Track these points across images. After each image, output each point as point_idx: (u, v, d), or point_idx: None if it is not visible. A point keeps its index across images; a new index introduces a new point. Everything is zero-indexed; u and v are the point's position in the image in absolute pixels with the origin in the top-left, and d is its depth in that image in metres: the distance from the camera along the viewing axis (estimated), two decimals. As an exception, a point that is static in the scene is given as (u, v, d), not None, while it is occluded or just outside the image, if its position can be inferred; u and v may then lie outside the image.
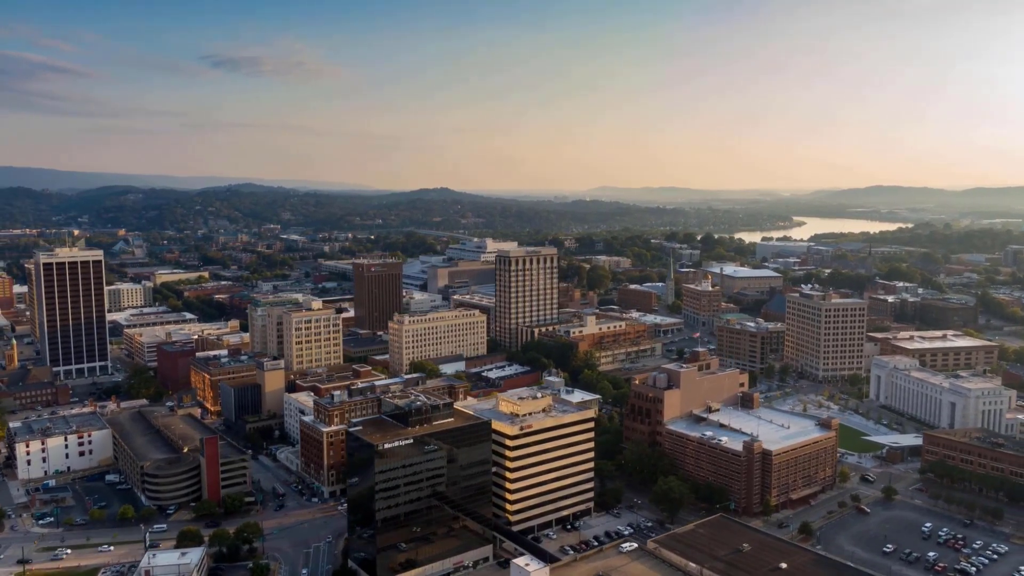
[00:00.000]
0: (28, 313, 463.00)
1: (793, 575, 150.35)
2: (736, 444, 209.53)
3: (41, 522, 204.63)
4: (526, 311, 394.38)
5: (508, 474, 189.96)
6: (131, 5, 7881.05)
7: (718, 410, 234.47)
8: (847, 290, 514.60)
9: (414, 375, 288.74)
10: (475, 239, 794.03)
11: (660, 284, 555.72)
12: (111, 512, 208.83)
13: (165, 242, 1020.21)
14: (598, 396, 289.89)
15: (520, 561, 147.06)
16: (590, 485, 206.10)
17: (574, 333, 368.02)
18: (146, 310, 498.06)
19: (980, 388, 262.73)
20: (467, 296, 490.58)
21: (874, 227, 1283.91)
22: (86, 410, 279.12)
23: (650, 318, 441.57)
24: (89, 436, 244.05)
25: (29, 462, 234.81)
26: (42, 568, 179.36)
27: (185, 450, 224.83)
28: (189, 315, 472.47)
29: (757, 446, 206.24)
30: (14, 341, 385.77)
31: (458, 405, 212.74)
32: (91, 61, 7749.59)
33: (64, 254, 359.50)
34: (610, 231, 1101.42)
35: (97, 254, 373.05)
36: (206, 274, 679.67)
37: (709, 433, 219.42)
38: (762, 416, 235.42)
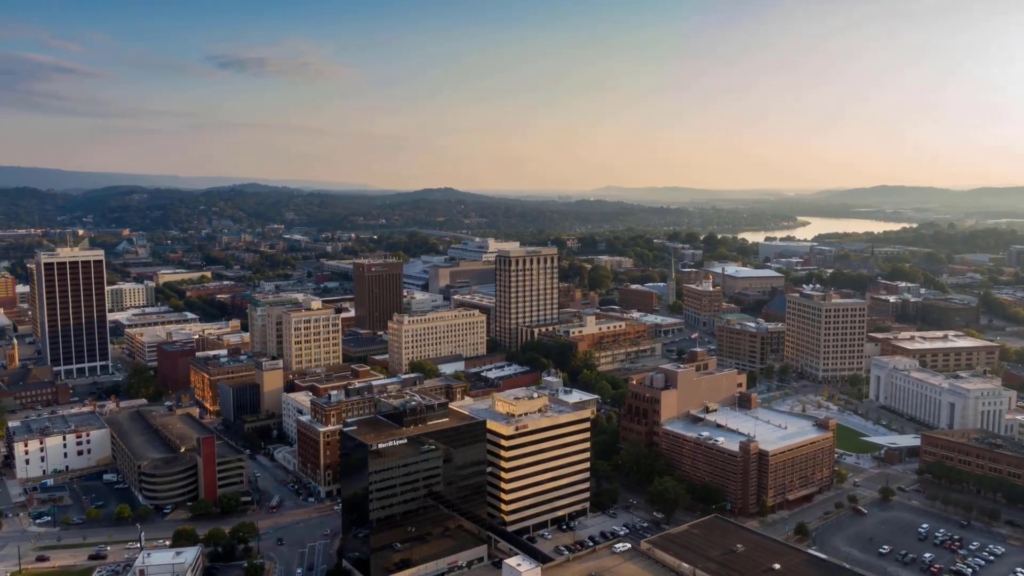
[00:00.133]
0: (30, 313, 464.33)
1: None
2: (732, 444, 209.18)
3: (38, 521, 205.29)
4: (526, 311, 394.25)
5: (503, 474, 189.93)
6: (138, 5, 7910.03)
7: (715, 410, 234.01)
8: (849, 290, 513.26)
9: (411, 375, 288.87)
10: (477, 239, 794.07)
11: (662, 284, 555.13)
12: (108, 511, 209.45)
13: (169, 242, 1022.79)
14: (596, 396, 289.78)
15: (512, 561, 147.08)
16: (586, 485, 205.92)
17: (574, 333, 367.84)
18: (148, 310, 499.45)
19: (979, 389, 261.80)
20: (468, 296, 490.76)
21: (879, 227, 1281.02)
22: (85, 410, 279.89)
23: (651, 318, 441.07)
24: (87, 436, 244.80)
25: (27, 461, 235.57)
26: (37, 567, 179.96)
27: (182, 450, 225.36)
28: (191, 315, 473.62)
29: (753, 446, 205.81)
30: (15, 341, 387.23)
31: (455, 405, 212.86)
32: (98, 61, 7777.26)
33: (65, 254, 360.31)
34: (613, 231, 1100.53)
35: (98, 254, 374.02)
36: (209, 274, 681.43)
37: (706, 433, 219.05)
38: (759, 416, 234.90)
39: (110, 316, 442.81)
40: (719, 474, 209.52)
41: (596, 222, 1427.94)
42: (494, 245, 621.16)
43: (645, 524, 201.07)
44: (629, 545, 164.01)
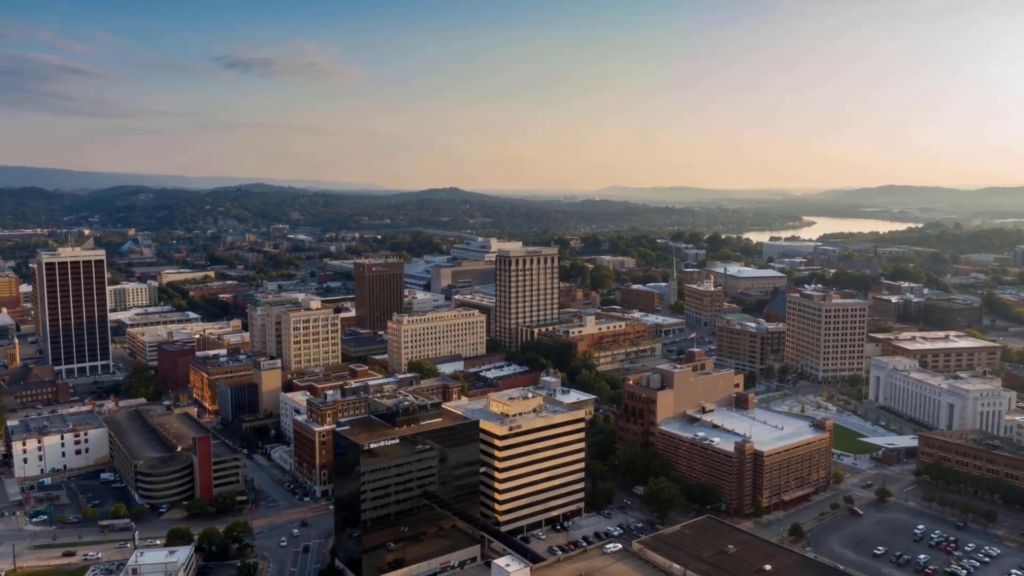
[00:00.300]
0: (33, 313, 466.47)
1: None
2: (728, 445, 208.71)
3: (35, 520, 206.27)
4: (526, 311, 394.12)
5: (497, 474, 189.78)
6: (145, 6, 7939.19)
7: (712, 411, 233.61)
8: (852, 290, 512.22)
9: (408, 375, 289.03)
10: (479, 239, 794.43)
11: (664, 284, 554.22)
12: (104, 510, 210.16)
13: (174, 242, 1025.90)
14: (594, 396, 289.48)
15: (501, 562, 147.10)
16: (580, 486, 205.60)
17: (573, 333, 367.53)
18: (150, 309, 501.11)
19: (979, 389, 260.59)
20: (469, 296, 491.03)
21: (884, 227, 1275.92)
22: (84, 409, 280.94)
23: (652, 318, 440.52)
24: (85, 435, 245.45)
25: (26, 460, 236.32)
26: (33, 566, 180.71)
27: (179, 449, 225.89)
28: (193, 314, 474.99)
29: (748, 447, 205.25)
30: (16, 340, 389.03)
31: (450, 405, 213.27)
32: (105, 62, 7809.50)
33: (66, 254, 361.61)
34: (617, 231, 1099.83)
35: (99, 254, 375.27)
36: (212, 274, 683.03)
37: (702, 434, 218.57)
38: (756, 417, 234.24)
39: (113, 316, 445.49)
40: (714, 475, 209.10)
41: (601, 222, 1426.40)
42: (496, 245, 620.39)
43: (640, 524, 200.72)
44: (620, 546, 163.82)
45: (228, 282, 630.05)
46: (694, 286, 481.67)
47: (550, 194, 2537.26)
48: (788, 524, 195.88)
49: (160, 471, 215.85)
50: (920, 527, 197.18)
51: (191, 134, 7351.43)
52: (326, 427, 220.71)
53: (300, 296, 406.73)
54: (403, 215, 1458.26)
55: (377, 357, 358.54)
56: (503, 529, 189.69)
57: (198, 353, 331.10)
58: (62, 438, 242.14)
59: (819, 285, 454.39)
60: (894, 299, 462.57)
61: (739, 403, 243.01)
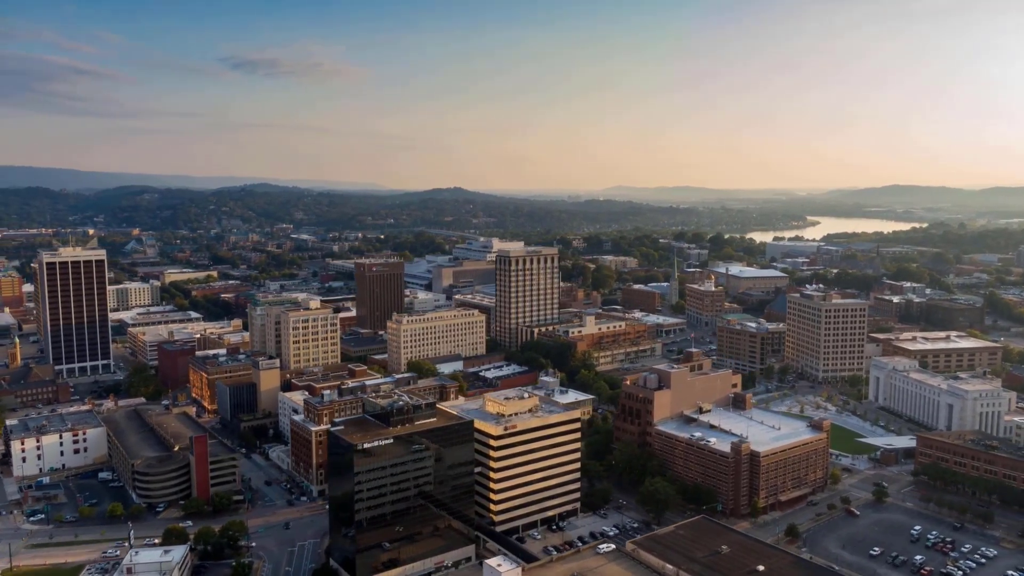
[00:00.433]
0: (36, 312, 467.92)
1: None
2: (724, 445, 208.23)
3: (32, 519, 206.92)
4: (526, 311, 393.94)
5: (492, 474, 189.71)
6: (152, 7, 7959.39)
7: (709, 411, 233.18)
8: (854, 290, 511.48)
9: (405, 375, 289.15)
10: (481, 239, 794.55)
11: (665, 284, 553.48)
12: (101, 509, 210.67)
13: (178, 241, 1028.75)
14: (592, 396, 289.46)
15: (492, 562, 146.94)
16: (576, 486, 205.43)
17: (573, 333, 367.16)
18: (152, 309, 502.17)
19: (978, 390, 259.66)
20: (470, 296, 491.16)
21: (889, 227, 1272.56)
22: (83, 408, 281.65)
23: (652, 318, 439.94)
24: (84, 434, 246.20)
25: (24, 459, 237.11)
26: (29, 565, 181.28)
27: (176, 448, 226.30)
28: (195, 314, 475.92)
29: (745, 447, 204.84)
30: (17, 339, 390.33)
31: (447, 405, 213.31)
32: (112, 62, 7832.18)
33: (67, 253, 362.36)
34: (620, 231, 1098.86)
35: (100, 254, 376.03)
36: (215, 273, 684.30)
37: (698, 434, 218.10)
38: (754, 417, 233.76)
39: (115, 315, 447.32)
40: (711, 475, 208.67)
41: (604, 222, 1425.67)
42: (498, 245, 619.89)
43: (635, 525, 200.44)
44: (613, 546, 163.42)
45: (231, 282, 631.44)
46: (695, 286, 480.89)
47: (554, 194, 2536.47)
48: (784, 524, 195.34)
49: (157, 470, 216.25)
50: (917, 528, 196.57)
51: (196, 134, 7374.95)
52: (322, 427, 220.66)
53: (300, 296, 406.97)
54: (407, 215, 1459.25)
55: (377, 357, 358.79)
56: (499, 529, 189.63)
57: (198, 353, 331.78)
58: (60, 437, 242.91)
59: (820, 285, 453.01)
60: (896, 299, 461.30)
61: (736, 403, 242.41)
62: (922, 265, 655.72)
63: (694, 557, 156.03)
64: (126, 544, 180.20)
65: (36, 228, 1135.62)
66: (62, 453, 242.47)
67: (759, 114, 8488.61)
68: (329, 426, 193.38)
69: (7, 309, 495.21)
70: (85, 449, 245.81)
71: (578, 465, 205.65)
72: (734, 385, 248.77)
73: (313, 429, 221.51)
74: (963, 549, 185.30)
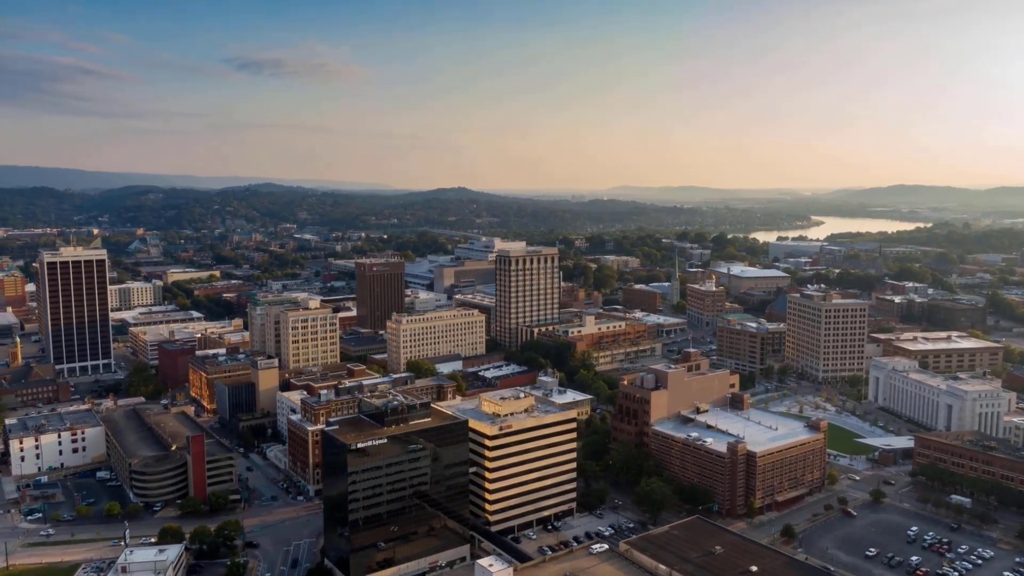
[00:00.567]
0: (38, 311, 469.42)
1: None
2: (720, 445, 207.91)
3: (29, 518, 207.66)
4: (526, 311, 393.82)
5: (487, 474, 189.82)
6: (158, 8, 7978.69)
7: (706, 411, 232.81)
8: (856, 290, 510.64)
9: (403, 375, 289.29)
10: (484, 238, 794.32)
11: (667, 284, 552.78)
12: (98, 509, 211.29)
13: (182, 241, 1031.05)
14: (591, 396, 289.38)
15: (484, 562, 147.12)
16: (572, 486, 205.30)
17: (572, 333, 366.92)
18: (155, 308, 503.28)
19: (977, 390, 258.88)
20: (470, 296, 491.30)
21: (894, 227, 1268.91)
22: (83, 407, 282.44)
23: (653, 318, 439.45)
24: (83, 433, 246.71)
25: (23, 458, 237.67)
26: (25, 564, 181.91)
27: (173, 448, 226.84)
28: (196, 314, 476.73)
29: (741, 447, 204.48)
30: (18, 339, 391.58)
31: (444, 405, 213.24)
32: (118, 63, 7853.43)
33: (68, 253, 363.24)
34: (623, 231, 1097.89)
35: (101, 253, 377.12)
36: (217, 273, 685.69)
37: (695, 434, 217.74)
38: (751, 417, 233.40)
39: (117, 315, 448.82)
40: (707, 475, 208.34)
41: (608, 222, 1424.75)
42: (500, 244, 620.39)
43: (631, 525, 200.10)
44: (606, 546, 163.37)
45: (233, 281, 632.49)
46: (696, 286, 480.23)
47: (559, 194, 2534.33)
48: (781, 525, 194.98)
49: (154, 470, 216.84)
50: (914, 528, 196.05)
51: (202, 134, 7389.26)
52: (319, 426, 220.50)
53: (299, 296, 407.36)
54: (410, 215, 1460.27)
55: (377, 357, 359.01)
56: (494, 529, 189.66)
57: (198, 352, 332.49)
58: (59, 436, 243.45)
59: (821, 285, 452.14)
60: (897, 299, 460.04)
61: (734, 403, 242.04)
62: (925, 265, 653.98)
63: (687, 557, 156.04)
64: (122, 543, 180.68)
65: (41, 228, 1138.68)
66: (60, 452, 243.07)
67: (764, 114, 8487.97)
68: (324, 426, 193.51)
69: (9, 309, 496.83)
70: (83, 448, 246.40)
71: (574, 465, 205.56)
72: (732, 385, 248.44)
73: (310, 429, 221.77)
74: (960, 550, 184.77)
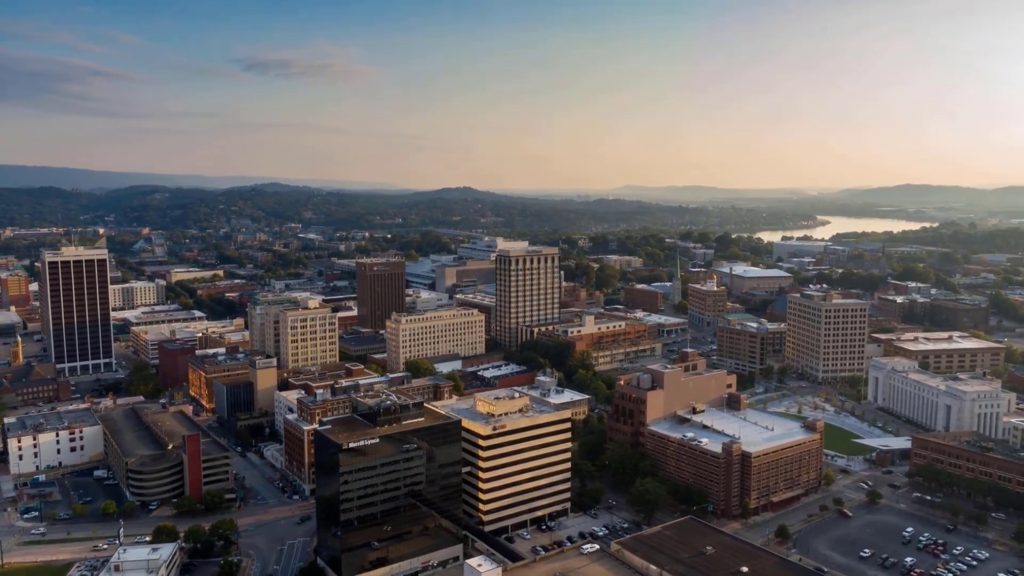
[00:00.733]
0: (40, 310, 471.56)
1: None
2: (715, 445, 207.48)
3: (26, 516, 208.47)
4: (526, 311, 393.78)
5: (481, 474, 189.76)
6: (166, 9, 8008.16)
7: (703, 411, 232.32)
8: (859, 290, 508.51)
9: (399, 374, 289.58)
10: (486, 238, 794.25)
11: (668, 284, 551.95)
12: (94, 507, 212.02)
13: (187, 241, 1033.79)
14: (588, 396, 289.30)
15: (473, 562, 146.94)
16: (567, 486, 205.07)
17: (572, 333, 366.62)
18: (157, 308, 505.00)
19: (976, 391, 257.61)
20: (472, 296, 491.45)
21: (899, 226, 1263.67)
22: (82, 407, 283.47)
23: (654, 318, 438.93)
24: (81, 432, 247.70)
25: (21, 457, 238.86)
26: (20, 562, 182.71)
27: (170, 447, 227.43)
28: (199, 313, 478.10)
29: (736, 448, 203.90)
30: (19, 338, 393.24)
31: (439, 405, 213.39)
32: (127, 63, 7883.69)
33: (69, 253, 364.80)
34: (627, 230, 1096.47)
35: (102, 253, 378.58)
36: (221, 272, 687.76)
37: (690, 434, 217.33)
38: (747, 418, 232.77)
39: (120, 314, 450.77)
40: (702, 475, 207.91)
41: (613, 221, 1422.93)
42: (502, 244, 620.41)
43: (626, 525, 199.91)
44: (598, 546, 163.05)
45: (236, 281, 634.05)
46: (698, 286, 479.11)
47: (565, 193, 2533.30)
48: (775, 526, 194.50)
49: (150, 468, 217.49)
50: (909, 529, 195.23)
51: (209, 134, 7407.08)
52: (314, 426, 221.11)
53: (299, 295, 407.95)
54: (415, 214, 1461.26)
55: (377, 356, 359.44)
56: (488, 529, 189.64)
57: (197, 352, 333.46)
58: (57, 435, 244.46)
59: (823, 285, 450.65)
60: (899, 299, 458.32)
61: (731, 404, 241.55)
62: (929, 265, 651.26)
63: (678, 558, 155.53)
64: (116, 542, 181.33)
65: (47, 227, 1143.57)
66: (59, 451, 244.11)
67: (772, 114, 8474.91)
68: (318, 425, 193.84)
69: (13, 308, 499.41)
70: (81, 447, 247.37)
71: (568, 465, 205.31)
72: (729, 385, 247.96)
73: (305, 428, 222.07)
74: (955, 551, 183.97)
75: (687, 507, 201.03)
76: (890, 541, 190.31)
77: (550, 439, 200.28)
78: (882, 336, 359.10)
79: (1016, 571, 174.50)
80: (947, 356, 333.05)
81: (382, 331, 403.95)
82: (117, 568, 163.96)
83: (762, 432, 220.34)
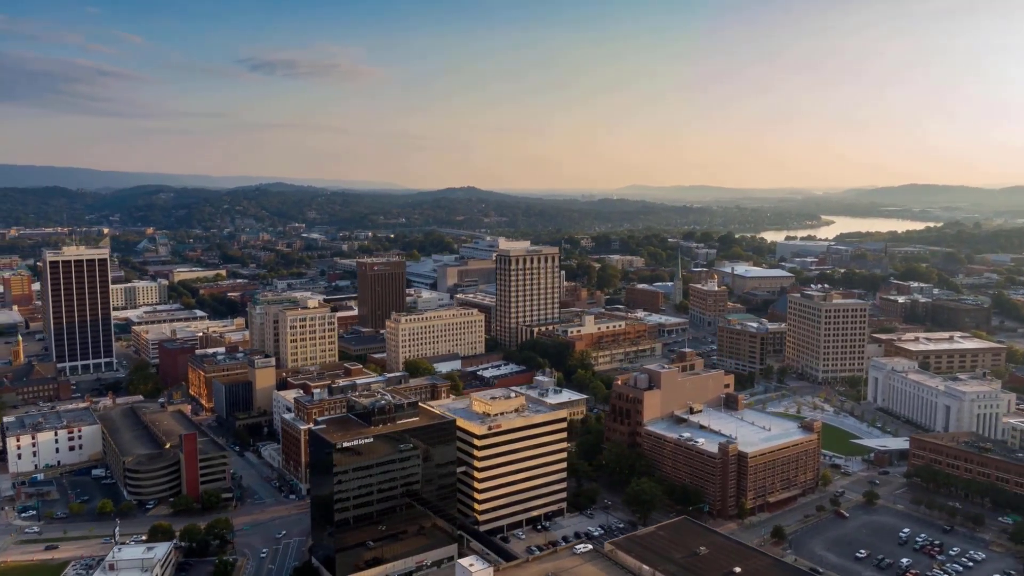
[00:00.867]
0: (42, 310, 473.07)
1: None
2: (712, 446, 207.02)
3: (23, 515, 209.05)
4: (527, 310, 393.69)
5: (476, 473, 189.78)
6: (172, 9, 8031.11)
7: (700, 411, 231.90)
8: (861, 290, 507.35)
9: (396, 374, 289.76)
10: (488, 238, 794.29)
11: (670, 284, 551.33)
12: (91, 506, 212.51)
13: (191, 240, 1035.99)
14: (586, 396, 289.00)
15: (464, 562, 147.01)
16: (562, 486, 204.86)
17: (572, 333, 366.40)
18: (159, 307, 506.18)
19: (975, 391, 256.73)
20: (472, 296, 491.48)
21: (904, 226, 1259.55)
22: (81, 406, 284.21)
23: (655, 318, 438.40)
24: (79, 431, 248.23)
25: (19, 456, 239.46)
26: (16, 561, 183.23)
27: (167, 446, 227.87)
28: (200, 312, 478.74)
29: (732, 448, 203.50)
30: (20, 337, 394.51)
31: (436, 404, 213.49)
32: (133, 63, 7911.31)
33: (70, 252, 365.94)
34: (630, 230, 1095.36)
35: (103, 252, 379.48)
36: (224, 272, 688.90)
37: (687, 434, 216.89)
38: (745, 418, 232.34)
39: (122, 314, 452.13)
40: (698, 476, 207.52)
41: (616, 221, 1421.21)
42: (504, 244, 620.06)
43: (621, 525, 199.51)
44: (591, 546, 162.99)
45: (238, 280, 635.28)
46: (699, 286, 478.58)
47: (569, 193, 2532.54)
48: (771, 526, 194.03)
49: (148, 468, 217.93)
50: (906, 530, 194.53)
51: (214, 134, 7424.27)
52: (311, 425, 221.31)
53: (300, 295, 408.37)
54: (419, 214, 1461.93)
55: (377, 356, 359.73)
56: (483, 529, 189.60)
57: (197, 351, 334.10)
58: (56, 434, 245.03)
59: (825, 285, 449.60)
60: (901, 299, 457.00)
61: (728, 404, 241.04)
62: (932, 265, 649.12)
63: (671, 558, 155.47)
64: (112, 541, 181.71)
65: (53, 227, 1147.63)
66: (57, 450, 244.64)
67: (776, 114, 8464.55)
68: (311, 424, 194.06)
69: (15, 307, 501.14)
70: (80, 446, 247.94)
71: (564, 465, 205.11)
72: (727, 385, 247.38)
73: (302, 427, 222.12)
74: (951, 552, 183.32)
75: (683, 507, 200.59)
76: (886, 542, 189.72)
77: (546, 439, 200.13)
78: (883, 336, 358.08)
79: (1012, 572, 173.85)
80: (948, 356, 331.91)
81: (382, 331, 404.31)
82: (112, 567, 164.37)
83: (759, 432, 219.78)
